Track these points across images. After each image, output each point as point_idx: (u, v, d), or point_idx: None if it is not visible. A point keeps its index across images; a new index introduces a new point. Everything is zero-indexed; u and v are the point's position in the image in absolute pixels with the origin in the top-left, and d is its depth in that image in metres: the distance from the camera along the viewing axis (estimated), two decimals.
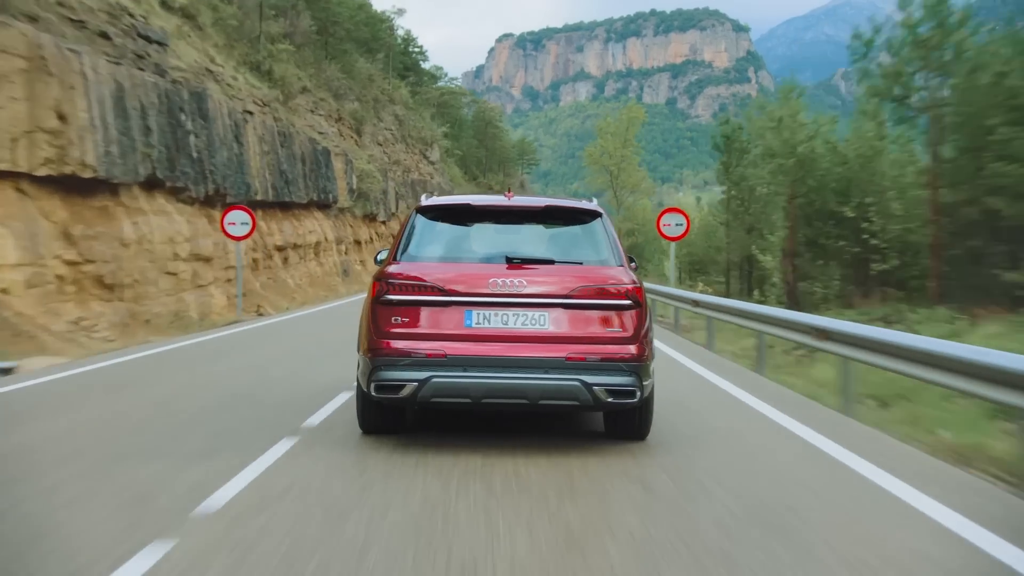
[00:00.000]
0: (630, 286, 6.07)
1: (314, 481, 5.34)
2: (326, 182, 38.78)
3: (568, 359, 5.85)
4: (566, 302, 5.96)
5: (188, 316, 19.60)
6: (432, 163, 70.94)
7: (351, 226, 44.21)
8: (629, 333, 5.99)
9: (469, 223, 6.65)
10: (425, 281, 6.01)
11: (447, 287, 5.97)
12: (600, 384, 5.81)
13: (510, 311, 5.94)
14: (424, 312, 5.97)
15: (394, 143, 62.09)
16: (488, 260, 6.27)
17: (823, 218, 33.34)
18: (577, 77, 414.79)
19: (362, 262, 45.14)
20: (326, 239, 38.40)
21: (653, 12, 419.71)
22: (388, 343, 5.95)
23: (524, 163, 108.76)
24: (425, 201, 6.79)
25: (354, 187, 43.90)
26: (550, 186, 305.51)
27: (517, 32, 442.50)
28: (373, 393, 6.00)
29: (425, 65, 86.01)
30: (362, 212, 45.99)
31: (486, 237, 6.59)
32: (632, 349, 5.95)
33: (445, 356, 5.85)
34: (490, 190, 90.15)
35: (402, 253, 6.36)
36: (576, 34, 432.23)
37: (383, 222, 51.85)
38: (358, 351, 6.40)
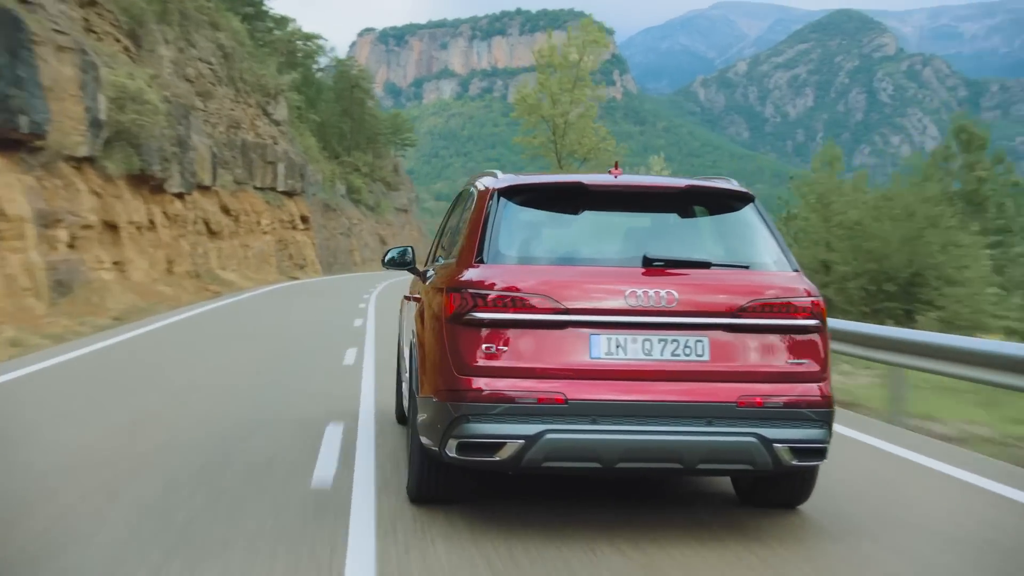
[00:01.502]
0: (812, 299, 4.49)
1: None
2: (13, 90, 16.68)
3: (740, 404, 4.27)
4: (733, 322, 4.36)
5: None
6: (277, 123, 48.44)
7: (97, 193, 21.77)
8: (816, 367, 4.45)
9: (577, 210, 4.76)
10: (530, 291, 4.29)
11: (563, 300, 4.28)
12: (784, 440, 4.26)
13: (655, 335, 4.32)
14: (530, 336, 4.28)
15: (215, 83, 39.55)
16: (615, 262, 4.54)
17: None
18: (441, 75, 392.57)
19: (119, 265, 22.70)
20: (2, 213, 16.29)
21: (519, 11, 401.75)
22: (477, 382, 4.25)
23: (399, 143, 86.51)
24: (503, 180, 4.84)
25: (101, 116, 21.57)
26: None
27: (379, 27, 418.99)
28: (453, 454, 4.29)
29: (274, 7, 62.89)
30: (125, 169, 23.58)
31: (606, 230, 4.92)
32: (821, 388, 4.44)
33: (564, 401, 4.20)
34: (356, 171, 67.90)
35: (488, 251, 4.50)
36: (440, 31, 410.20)
37: (180, 195, 29.31)
38: (417, 393, 4.78)
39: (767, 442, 4.27)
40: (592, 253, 4.72)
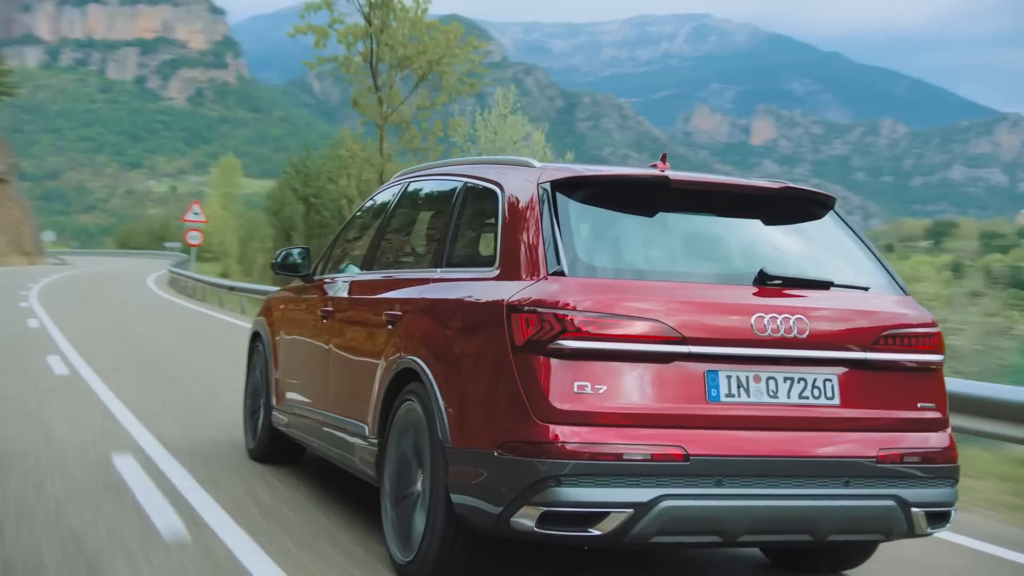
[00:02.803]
0: (936, 330, 3.77)
1: None
2: None
3: (880, 459, 3.50)
4: (864, 357, 3.58)
5: None
6: None
7: None
8: (941, 412, 3.74)
9: (652, 212, 3.77)
10: (638, 313, 3.33)
11: (678, 326, 3.35)
12: (922, 503, 3.54)
13: (780, 372, 3.48)
14: (633, 372, 3.33)
15: None
16: (719, 279, 3.64)
17: None
18: (24, 40, 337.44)
19: None
20: None
21: None
22: (569, 432, 3.23)
23: None
24: (551, 171, 3.80)
25: None
26: None
27: None
28: (529, 526, 3.24)
29: None
30: None
31: (693, 237, 3.92)
32: (947, 439, 3.71)
33: (684, 457, 3.26)
34: None
35: (564, 260, 3.46)
36: None
37: None
38: (447, 442, 3.57)
39: (906, 506, 3.50)
40: (689, 266, 3.71)
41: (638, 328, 3.32)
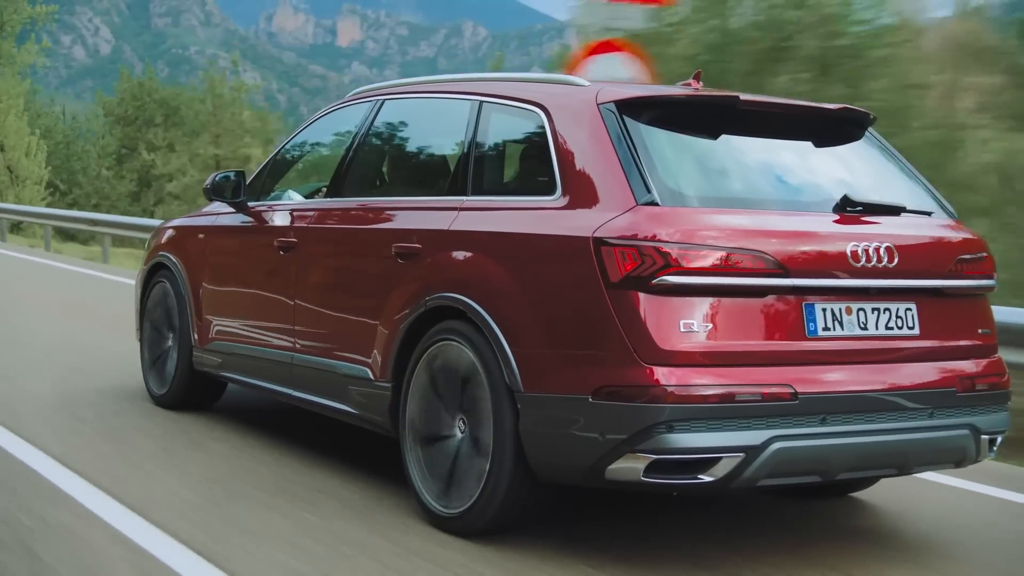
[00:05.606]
0: (987, 253, 3.70)
1: None
2: None
3: (961, 388, 3.49)
4: (941, 284, 3.55)
5: None
6: None
7: None
8: (994, 336, 3.74)
9: (720, 135, 3.57)
10: (741, 245, 3.17)
11: (780, 258, 3.20)
12: (989, 430, 3.53)
13: (869, 303, 3.40)
14: (736, 308, 3.18)
15: None
16: (801, 206, 3.53)
17: None
18: None
19: None
20: None
21: None
22: (681, 374, 3.07)
23: None
24: (606, 91, 3.55)
25: None
26: None
27: None
28: (640, 476, 3.08)
29: None
30: None
31: (768, 163, 3.71)
32: (1001, 364, 3.71)
33: (792, 396, 3.15)
34: None
35: (656, 187, 3.22)
36: None
37: None
38: (520, 388, 3.33)
39: (977, 433, 3.48)
40: (770, 193, 3.56)
41: (743, 261, 3.15)
